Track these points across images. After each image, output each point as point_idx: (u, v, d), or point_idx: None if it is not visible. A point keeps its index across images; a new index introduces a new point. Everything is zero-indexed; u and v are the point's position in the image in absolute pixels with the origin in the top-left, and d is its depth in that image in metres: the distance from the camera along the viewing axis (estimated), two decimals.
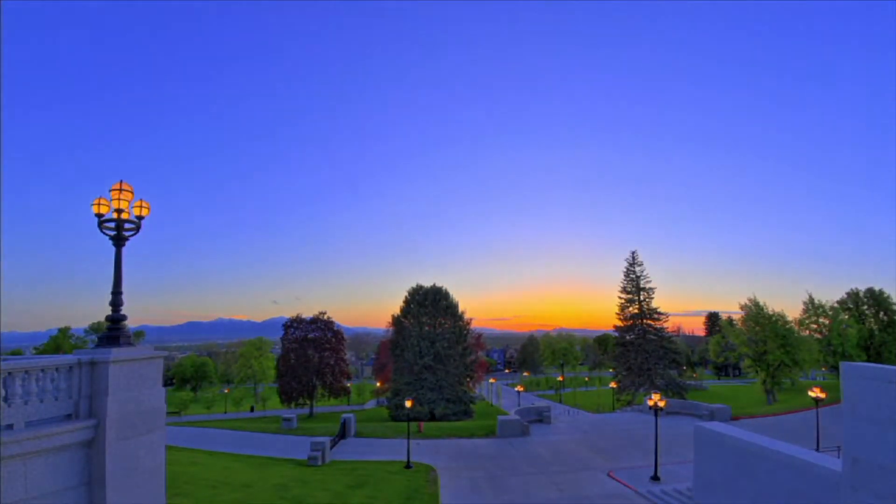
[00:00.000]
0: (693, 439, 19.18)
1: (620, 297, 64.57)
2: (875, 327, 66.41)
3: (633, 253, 64.46)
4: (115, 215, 9.69)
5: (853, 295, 69.52)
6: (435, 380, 53.89)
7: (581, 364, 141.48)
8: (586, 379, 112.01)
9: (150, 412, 9.31)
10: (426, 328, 56.79)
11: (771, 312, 58.04)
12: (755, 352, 57.66)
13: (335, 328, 74.49)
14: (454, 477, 25.81)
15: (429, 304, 58.02)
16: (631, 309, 63.77)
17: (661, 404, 25.99)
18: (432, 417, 51.30)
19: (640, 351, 60.83)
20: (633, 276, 63.88)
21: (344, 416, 39.57)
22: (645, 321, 62.81)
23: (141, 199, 10.07)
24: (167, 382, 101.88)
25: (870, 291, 68.91)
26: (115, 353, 8.72)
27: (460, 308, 59.13)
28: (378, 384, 71.89)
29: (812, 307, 66.50)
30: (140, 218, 10.06)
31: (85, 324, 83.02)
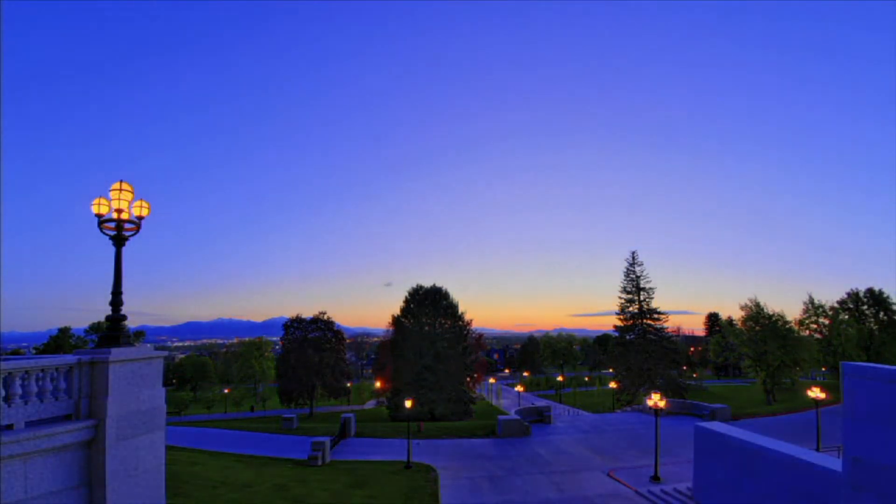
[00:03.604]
0: (693, 439, 19.20)
1: (620, 297, 64.54)
2: (875, 327, 66.43)
3: (633, 253, 64.44)
4: (114, 215, 9.67)
5: (853, 295, 69.57)
6: (435, 380, 53.81)
7: (581, 364, 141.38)
8: (586, 379, 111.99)
9: (150, 412, 9.30)
10: (426, 328, 56.73)
11: (771, 312, 58.02)
12: (755, 352, 57.61)
13: (335, 328, 74.48)
14: (454, 477, 25.79)
15: (429, 304, 57.97)
16: (631, 309, 63.72)
17: (662, 404, 25.95)
18: (432, 417, 51.26)
19: (640, 351, 60.75)
20: (633, 276, 63.83)
21: (344, 415, 39.53)
22: (645, 321, 62.77)
23: (141, 199, 10.06)
24: (167, 382, 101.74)
25: (870, 291, 68.97)
26: (115, 353, 8.71)
27: (460, 308, 59.14)
28: (378, 384, 71.85)
29: (812, 307, 66.54)
30: (140, 218, 10.05)
31: (85, 324, 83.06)
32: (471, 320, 59.71)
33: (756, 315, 58.30)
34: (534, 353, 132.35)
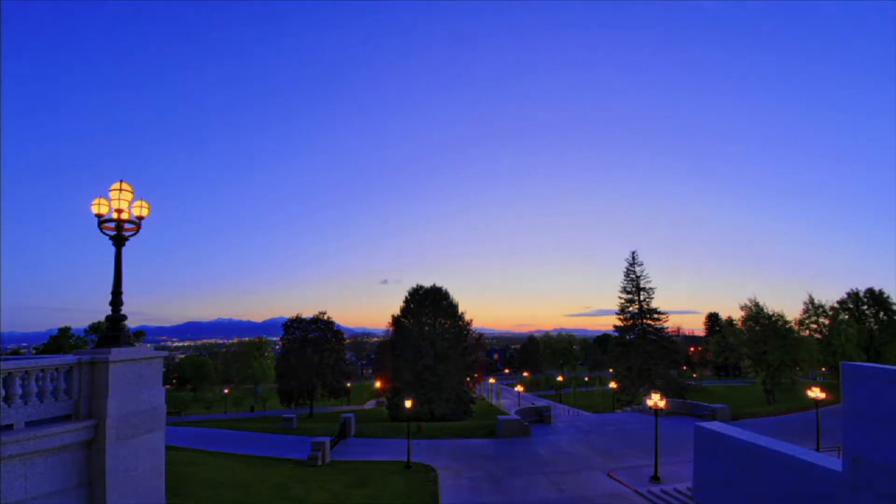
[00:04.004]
0: (693, 439, 19.19)
1: (620, 297, 64.48)
2: (875, 327, 66.40)
3: (633, 253, 64.40)
4: (114, 215, 9.68)
5: (853, 295, 69.55)
6: (435, 380, 53.77)
7: (581, 364, 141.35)
8: (586, 379, 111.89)
9: (150, 412, 9.30)
10: (426, 328, 56.69)
11: (771, 312, 57.99)
12: (755, 352, 57.57)
13: (335, 328, 74.42)
14: (454, 477, 25.79)
15: (429, 304, 57.92)
16: (631, 309, 63.69)
17: (662, 404, 25.97)
18: (432, 417, 51.22)
19: (640, 351, 60.71)
20: (633, 276, 63.79)
21: (344, 415, 39.53)
22: (645, 321, 62.73)
23: (141, 199, 10.06)
24: (167, 382, 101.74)
25: (870, 291, 68.95)
26: (115, 353, 8.71)
27: (460, 308, 59.09)
28: (378, 384, 71.87)
29: (812, 307, 66.49)
30: (140, 218, 10.05)
31: (85, 324, 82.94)
32: (471, 320, 59.67)
33: (756, 315, 58.23)
34: (534, 353, 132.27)
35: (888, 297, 67.40)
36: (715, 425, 19.22)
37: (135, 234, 9.98)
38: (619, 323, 64.76)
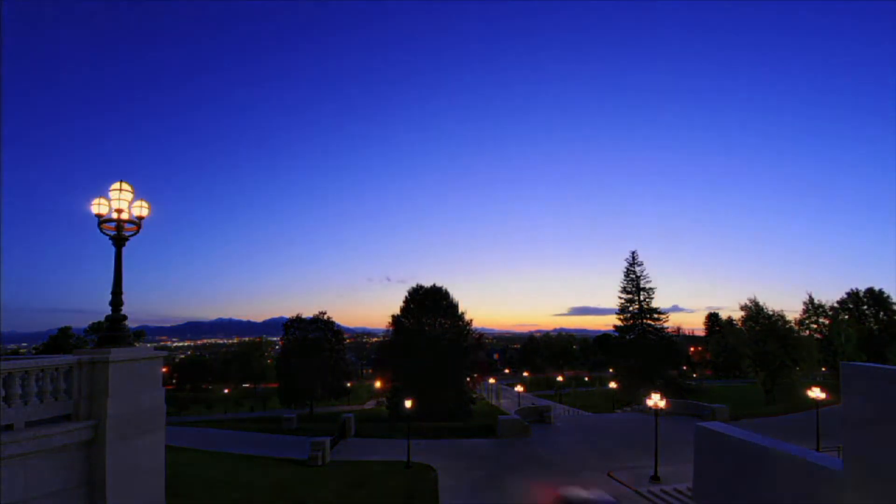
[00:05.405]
0: (693, 439, 19.16)
1: (620, 297, 64.54)
2: (875, 327, 66.49)
3: (633, 253, 64.47)
4: (114, 215, 9.69)
5: (853, 295, 69.65)
6: (435, 380, 53.74)
7: (581, 364, 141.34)
8: (586, 379, 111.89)
9: (150, 412, 9.31)
10: (426, 328, 56.63)
11: (771, 312, 58.02)
12: (755, 352, 57.58)
13: (335, 328, 74.41)
14: (454, 477, 25.78)
15: (429, 304, 57.85)
16: (631, 309, 63.72)
17: (662, 404, 25.97)
18: (432, 417, 51.20)
19: (640, 351, 60.75)
20: (633, 276, 63.84)
21: (344, 415, 39.55)
22: (645, 321, 62.75)
23: (141, 199, 10.07)
24: (167, 382, 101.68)
25: (870, 291, 69.08)
26: (115, 353, 8.72)
27: (460, 308, 59.02)
28: (378, 384, 71.83)
29: (812, 307, 66.57)
30: (140, 218, 10.06)
31: (85, 324, 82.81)
32: (471, 320, 59.49)
33: (756, 315, 58.30)
34: (534, 353, 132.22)
35: (888, 297, 67.61)
36: (715, 425, 19.17)
37: (135, 234, 10.00)
38: (619, 323, 64.79)
